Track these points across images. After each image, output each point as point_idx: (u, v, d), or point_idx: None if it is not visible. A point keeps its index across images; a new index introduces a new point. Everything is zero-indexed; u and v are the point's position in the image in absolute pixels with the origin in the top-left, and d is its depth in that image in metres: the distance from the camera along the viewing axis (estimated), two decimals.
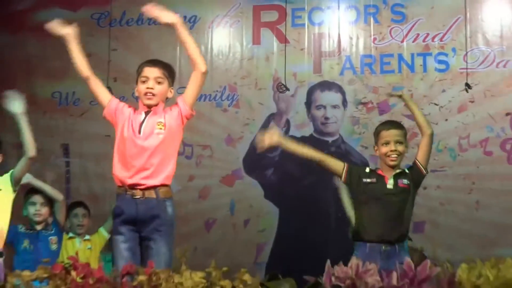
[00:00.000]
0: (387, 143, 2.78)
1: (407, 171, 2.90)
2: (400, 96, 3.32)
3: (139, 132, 2.43)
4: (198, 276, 1.71)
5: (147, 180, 2.32)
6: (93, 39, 4.04)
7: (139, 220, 2.43)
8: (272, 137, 2.80)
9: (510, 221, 3.99)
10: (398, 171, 2.82)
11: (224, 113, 4.34)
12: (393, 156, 2.79)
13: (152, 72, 2.43)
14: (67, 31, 2.56)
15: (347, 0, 4.31)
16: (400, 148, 2.83)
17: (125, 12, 4.35)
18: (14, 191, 2.79)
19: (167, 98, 2.51)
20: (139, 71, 2.51)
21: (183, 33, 2.44)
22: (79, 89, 4.02)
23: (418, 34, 4.16)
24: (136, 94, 2.46)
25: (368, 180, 2.84)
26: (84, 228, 3.34)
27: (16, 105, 2.85)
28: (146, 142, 2.34)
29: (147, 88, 2.42)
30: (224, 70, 4.38)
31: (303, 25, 4.35)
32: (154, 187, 2.38)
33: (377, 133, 3.00)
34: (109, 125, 2.44)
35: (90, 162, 4.22)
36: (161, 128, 2.36)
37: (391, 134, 2.87)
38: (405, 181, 2.83)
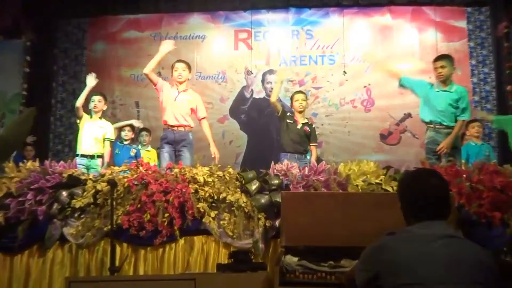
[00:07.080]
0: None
1: (308, 122, 4.32)
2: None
3: (175, 100, 3.90)
4: (205, 169, 2.65)
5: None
6: (152, 47, 7.13)
7: (175, 141, 3.90)
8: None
9: (365, 141, 6.83)
10: (305, 121, 4.33)
11: (219, 85, 7.15)
12: (299, 108, 4.29)
13: (180, 66, 4.09)
14: (170, 48, 4.08)
15: (283, 26, 7.17)
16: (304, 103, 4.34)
17: (168, 32, 7.26)
18: None
19: (188, 79, 4.11)
20: (172, 65, 4.13)
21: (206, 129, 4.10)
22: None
23: (319, 45, 7.15)
24: (171, 78, 4.19)
25: (289, 121, 4.32)
26: (147, 142, 6.01)
27: (90, 80, 4.81)
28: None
29: (178, 75, 4.02)
30: (219, 62, 7.24)
31: (260, 40, 7.24)
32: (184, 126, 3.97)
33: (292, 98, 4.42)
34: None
35: (150, 110, 7.03)
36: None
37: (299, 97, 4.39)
38: (307, 127, 4.32)
